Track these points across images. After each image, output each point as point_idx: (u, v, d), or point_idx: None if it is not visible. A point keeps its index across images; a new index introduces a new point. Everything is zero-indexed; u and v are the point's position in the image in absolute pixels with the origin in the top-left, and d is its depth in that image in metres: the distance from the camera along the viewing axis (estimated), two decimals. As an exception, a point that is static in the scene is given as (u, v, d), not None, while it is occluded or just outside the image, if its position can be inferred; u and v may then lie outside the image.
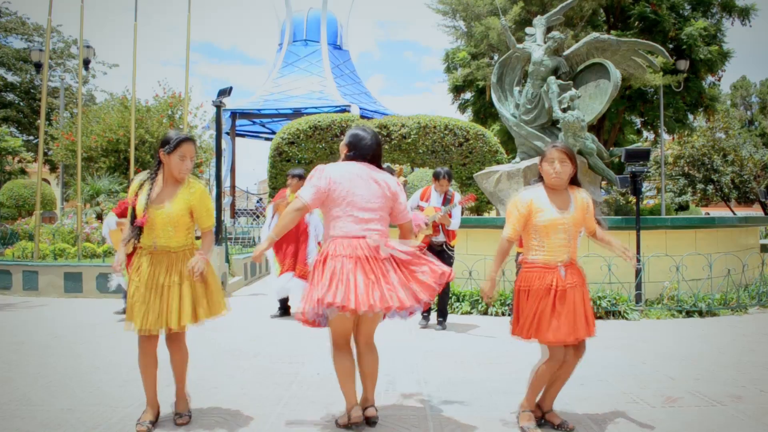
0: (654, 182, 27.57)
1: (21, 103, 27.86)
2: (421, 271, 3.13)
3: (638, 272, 6.94)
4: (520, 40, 9.10)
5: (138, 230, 3.18)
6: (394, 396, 3.83)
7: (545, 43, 8.50)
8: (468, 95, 20.74)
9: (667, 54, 9.07)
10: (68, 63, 27.96)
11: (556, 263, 3.15)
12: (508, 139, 16.88)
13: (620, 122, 18.95)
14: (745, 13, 17.83)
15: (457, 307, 7.08)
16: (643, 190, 11.07)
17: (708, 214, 26.58)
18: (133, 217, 3.21)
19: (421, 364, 4.65)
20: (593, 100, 8.46)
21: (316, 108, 19.43)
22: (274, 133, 23.45)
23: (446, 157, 14.48)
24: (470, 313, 7.03)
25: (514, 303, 3.29)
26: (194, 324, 3.21)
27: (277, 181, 14.39)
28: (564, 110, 7.98)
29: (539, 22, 8.82)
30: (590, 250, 6.62)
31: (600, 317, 6.41)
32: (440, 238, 6.13)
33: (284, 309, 6.90)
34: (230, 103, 18.85)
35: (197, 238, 3.42)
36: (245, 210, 21.70)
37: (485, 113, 19.59)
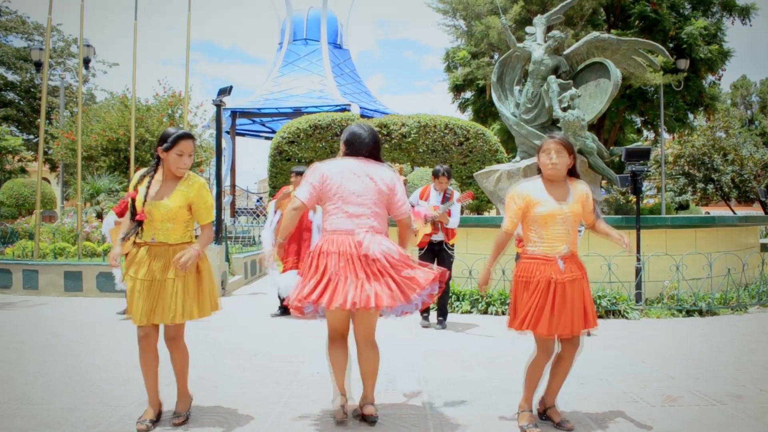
0: (654, 181, 27.58)
1: (21, 102, 27.85)
2: (408, 272, 3.13)
3: (638, 271, 6.94)
4: (520, 39, 9.10)
5: (138, 225, 3.19)
6: (394, 395, 3.83)
7: (545, 42, 8.50)
8: (468, 94, 20.73)
9: (667, 53, 9.07)
10: (68, 62, 27.96)
11: (554, 255, 3.15)
12: (508, 138, 16.87)
13: (620, 121, 18.94)
14: (745, 13, 17.81)
15: (457, 306, 7.08)
16: (643, 189, 11.08)
17: (708, 213, 26.60)
18: (133, 211, 3.21)
19: (421, 363, 4.65)
20: (593, 99, 8.46)
21: (316, 107, 19.44)
22: (274, 132, 23.46)
23: (446, 157, 14.48)
24: (470, 312, 7.03)
25: (512, 294, 3.29)
26: (183, 322, 3.20)
27: (277, 180, 14.40)
28: (564, 109, 7.98)
29: (539, 21, 8.82)
30: (591, 249, 6.63)
31: (600, 316, 6.40)
32: (439, 236, 6.12)
33: (284, 308, 6.90)
34: (230, 102, 18.84)
35: (197, 237, 3.41)
36: (245, 209, 21.72)
37: (485, 112, 19.58)
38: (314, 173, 3.27)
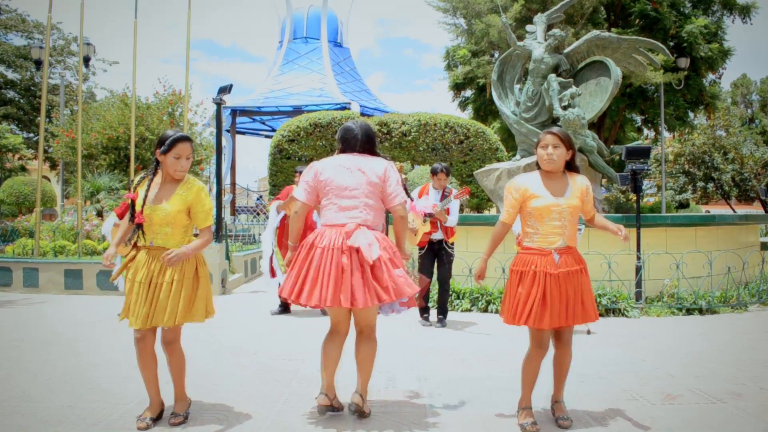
0: (654, 180, 27.55)
1: (21, 101, 27.82)
2: (397, 272, 3.16)
3: (638, 270, 6.94)
4: (520, 38, 9.09)
5: (137, 228, 3.19)
6: (393, 393, 3.83)
7: (546, 40, 8.49)
8: (468, 93, 20.68)
9: (667, 52, 9.06)
10: (68, 60, 27.92)
11: (550, 248, 3.16)
12: (508, 136, 16.85)
13: (621, 120, 18.91)
14: (745, 11, 17.78)
15: (457, 304, 7.08)
16: (643, 187, 11.07)
17: (708, 211, 26.64)
18: (133, 212, 3.21)
19: (421, 361, 4.65)
20: (594, 98, 8.45)
21: (316, 105, 19.43)
22: (274, 130, 23.46)
23: (446, 155, 14.47)
24: (470, 310, 7.03)
25: (506, 285, 3.31)
26: (178, 325, 3.20)
27: (277, 179, 14.38)
28: (564, 108, 7.97)
29: (540, 19, 8.81)
30: (591, 247, 6.63)
31: (600, 315, 6.40)
32: (439, 235, 6.12)
33: (285, 306, 6.91)
34: (230, 100, 18.85)
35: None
36: (245, 207, 21.70)
37: (485, 111, 19.54)
38: (309, 171, 3.38)
